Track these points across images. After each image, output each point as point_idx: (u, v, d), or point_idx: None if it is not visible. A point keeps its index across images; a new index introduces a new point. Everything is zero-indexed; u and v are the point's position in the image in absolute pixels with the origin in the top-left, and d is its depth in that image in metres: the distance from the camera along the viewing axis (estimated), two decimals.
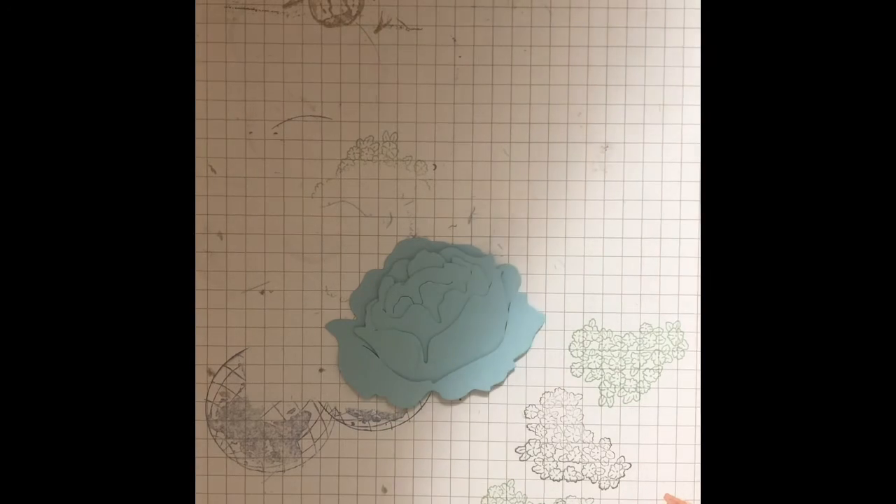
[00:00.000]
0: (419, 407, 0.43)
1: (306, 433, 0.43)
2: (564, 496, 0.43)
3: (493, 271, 0.42)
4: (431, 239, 0.42)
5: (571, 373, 0.43)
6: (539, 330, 0.42)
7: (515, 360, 0.42)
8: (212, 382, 0.42)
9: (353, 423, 0.43)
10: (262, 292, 0.42)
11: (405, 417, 0.43)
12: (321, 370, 0.43)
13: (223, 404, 0.43)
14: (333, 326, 0.43)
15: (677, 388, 0.43)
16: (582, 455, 0.43)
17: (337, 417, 0.43)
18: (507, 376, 0.43)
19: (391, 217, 0.42)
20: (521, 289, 0.42)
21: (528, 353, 0.43)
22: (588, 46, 0.42)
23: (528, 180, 0.42)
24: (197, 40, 0.42)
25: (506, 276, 0.42)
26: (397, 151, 0.42)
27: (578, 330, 0.43)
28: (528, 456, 0.43)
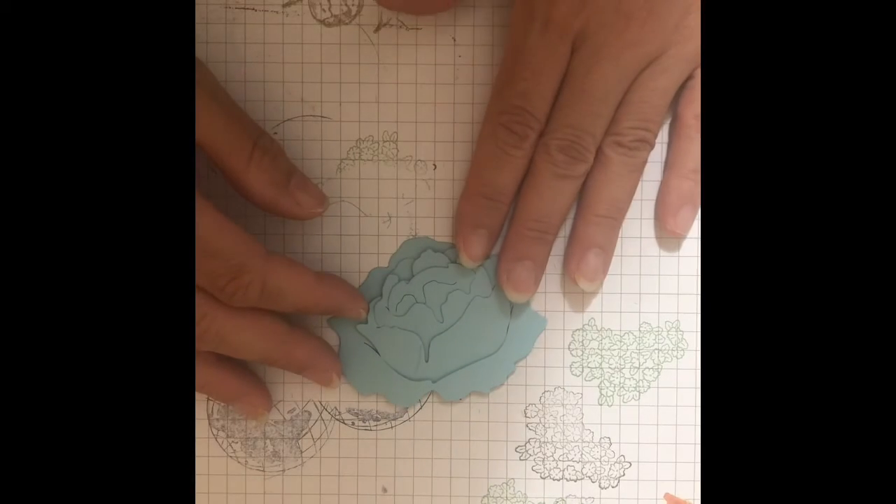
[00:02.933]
0: (419, 406, 0.43)
1: (306, 433, 0.43)
2: (564, 495, 0.43)
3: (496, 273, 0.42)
4: (432, 238, 0.42)
5: (571, 372, 0.43)
6: (541, 334, 0.43)
7: (516, 363, 0.42)
8: None
9: (353, 423, 0.43)
10: None
11: (405, 417, 0.43)
12: None
13: (224, 403, 0.43)
14: (335, 323, 0.43)
15: (677, 388, 0.43)
16: (582, 454, 0.43)
17: (337, 417, 0.43)
18: (507, 378, 0.43)
19: (389, 217, 0.43)
20: None
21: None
22: None
23: None
24: (197, 41, 0.42)
25: None
26: (397, 151, 0.43)
27: (578, 329, 0.43)
28: (528, 455, 0.43)
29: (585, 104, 0.39)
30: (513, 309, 0.42)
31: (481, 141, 0.41)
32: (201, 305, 0.37)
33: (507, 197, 0.41)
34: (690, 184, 0.41)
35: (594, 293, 0.43)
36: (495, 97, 0.40)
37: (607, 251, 0.41)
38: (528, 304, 0.42)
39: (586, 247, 0.41)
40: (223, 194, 0.41)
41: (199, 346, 0.38)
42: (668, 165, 0.42)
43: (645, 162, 0.41)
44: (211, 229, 0.36)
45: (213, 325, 0.38)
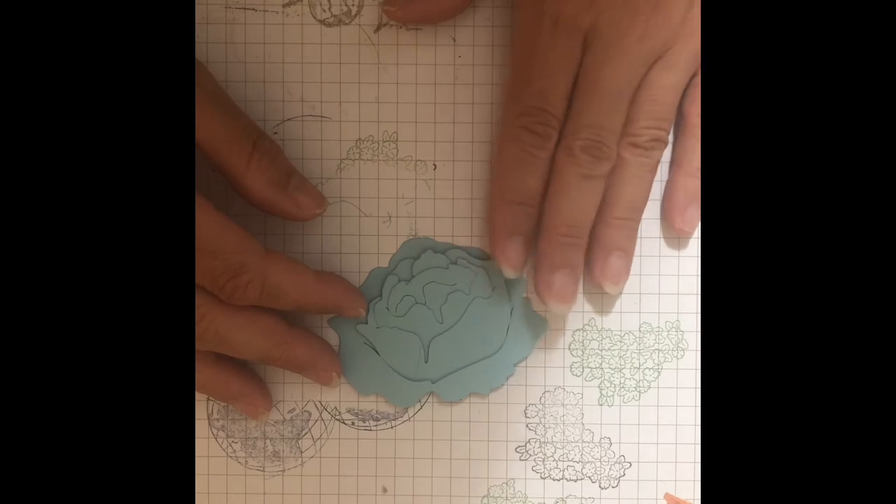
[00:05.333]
0: (419, 406, 0.43)
1: (306, 433, 0.43)
2: (565, 496, 0.43)
3: (497, 275, 0.42)
4: (432, 238, 0.42)
5: (571, 372, 0.43)
6: (541, 335, 0.43)
7: (516, 364, 0.42)
8: None
9: (353, 423, 0.43)
10: None
11: (405, 417, 0.43)
12: None
13: (224, 403, 0.43)
14: (335, 322, 0.43)
15: (677, 388, 0.43)
16: (582, 454, 0.43)
17: (337, 417, 0.43)
18: (507, 380, 0.43)
19: (389, 217, 0.43)
20: (525, 293, 0.42)
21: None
22: None
23: None
24: (197, 41, 0.42)
25: (510, 281, 0.42)
26: (397, 151, 0.43)
27: (578, 329, 0.43)
28: (528, 455, 0.43)
29: (603, 102, 0.39)
30: (513, 310, 0.42)
31: (503, 146, 0.40)
32: (201, 305, 0.37)
33: (537, 200, 0.40)
34: (697, 182, 0.41)
35: (603, 293, 0.43)
36: (511, 100, 0.40)
37: (629, 253, 0.41)
38: (529, 304, 0.42)
39: (609, 250, 0.41)
40: (223, 194, 0.41)
41: (199, 345, 0.38)
42: (675, 164, 0.42)
43: (659, 161, 0.41)
44: (210, 228, 0.36)
45: (213, 325, 0.38)
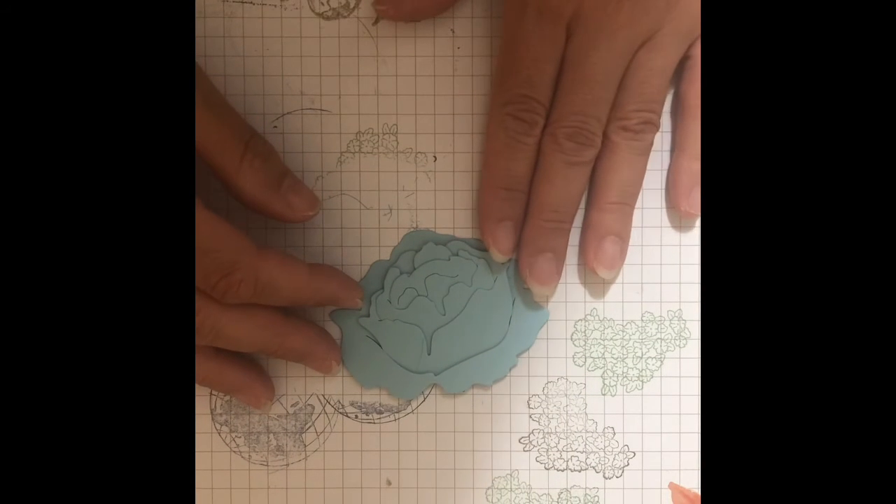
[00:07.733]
0: (422, 399, 0.43)
1: (310, 427, 0.43)
2: (569, 486, 0.43)
3: (499, 266, 0.42)
4: (433, 230, 0.42)
5: (574, 362, 0.43)
6: (543, 326, 0.43)
7: (518, 355, 0.42)
8: None
9: (356, 416, 0.43)
10: None
11: (408, 409, 0.43)
12: None
13: (227, 398, 0.43)
14: (337, 316, 0.43)
15: (680, 377, 0.43)
16: (585, 444, 0.43)
17: (340, 411, 0.43)
18: (510, 371, 0.43)
19: (390, 209, 0.42)
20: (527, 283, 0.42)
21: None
22: None
23: None
24: (195, 35, 0.42)
25: (511, 272, 0.42)
26: (397, 143, 0.42)
27: (580, 319, 0.43)
28: (531, 446, 0.43)
29: (587, 90, 0.39)
30: (515, 301, 0.42)
31: (491, 134, 0.41)
32: (197, 300, 0.37)
33: (525, 186, 0.41)
34: (700, 164, 0.41)
35: (604, 283, 0.43)
36: (498, 88, 0.40)
37: (623, 238, 0.41)
38: (530, 295, 0.42)
39: (602, 235, 0.41)
40: (223, 191, 0.41)
41: (197, 339, 0.38)
42: (677, 147, 0.42)
43: (651, 144, 0.41)
44: (202, 227, 0.35)
45: (209, 319, 0.38)
